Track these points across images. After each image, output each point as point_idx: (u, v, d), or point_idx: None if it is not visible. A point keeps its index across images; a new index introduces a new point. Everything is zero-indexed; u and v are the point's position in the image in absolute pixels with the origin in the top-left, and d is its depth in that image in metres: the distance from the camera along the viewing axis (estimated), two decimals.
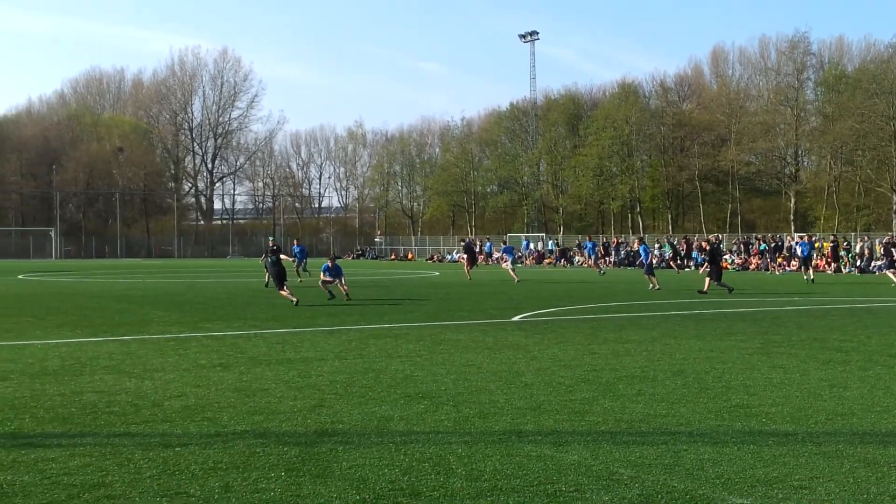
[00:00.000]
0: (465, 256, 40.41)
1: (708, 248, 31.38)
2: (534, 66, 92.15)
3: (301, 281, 32.69)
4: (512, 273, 36.97)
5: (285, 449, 7.02)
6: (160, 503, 5.69)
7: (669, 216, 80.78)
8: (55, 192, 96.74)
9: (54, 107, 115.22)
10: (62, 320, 18.35)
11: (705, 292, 27.08)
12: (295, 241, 41.71)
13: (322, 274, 24.87)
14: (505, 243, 51.60)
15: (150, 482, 6.13)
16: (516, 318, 18.63)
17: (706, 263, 29.68)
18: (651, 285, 29.70)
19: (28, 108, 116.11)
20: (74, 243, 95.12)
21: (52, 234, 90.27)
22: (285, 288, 23.23)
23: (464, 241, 43.62)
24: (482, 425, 7.90)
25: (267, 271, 26.29)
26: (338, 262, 25.76)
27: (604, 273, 45.16)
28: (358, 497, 5.77)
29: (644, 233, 75.09)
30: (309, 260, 38.77)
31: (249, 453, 6.89)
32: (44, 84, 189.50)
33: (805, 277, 36.59)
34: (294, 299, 22.32)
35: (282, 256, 24.83)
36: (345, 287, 24.18)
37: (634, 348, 13.36)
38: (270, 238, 43.15)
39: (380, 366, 11.56)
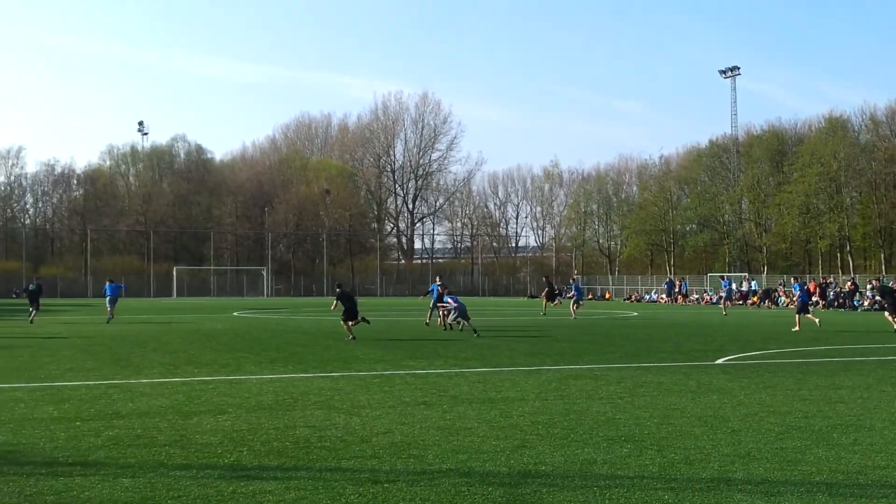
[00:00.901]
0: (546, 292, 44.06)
1: (878, 285, 30.08)
2: (735, 101, 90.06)
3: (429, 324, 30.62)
4: (573, 310, 39.18)
5: (490, 489, 7.10)
6: None
7: (882, 255, 76.58)
8: (267, 233, 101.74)
9: (266, 151, 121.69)
10: (274, 356, 19.20)
11: None
12: (437, 278, 33.60)
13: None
14: (576, 283, 51.01)
15: None
16: (720, 361, 18.13)
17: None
18: (795, 326, 28.78)
19: (242, 153, 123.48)
20: (284, 282, 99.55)
21: (264, 273, 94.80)
22: (350, 324, 24.02)
23: (546, 277, 52.54)
24: (688, 472, 7.74)
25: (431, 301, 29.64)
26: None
27: (726, 314, 42.65)
28: None
29: (854, 273, 71.55)
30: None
31: (455, 492, 7.01)
32: (257, 130, 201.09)
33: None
34: (351, 336, 23.60)
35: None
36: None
37: (848, 395, 12.75)
38: (438, 277, 40.29)
39: (581, 407, 11.51)
